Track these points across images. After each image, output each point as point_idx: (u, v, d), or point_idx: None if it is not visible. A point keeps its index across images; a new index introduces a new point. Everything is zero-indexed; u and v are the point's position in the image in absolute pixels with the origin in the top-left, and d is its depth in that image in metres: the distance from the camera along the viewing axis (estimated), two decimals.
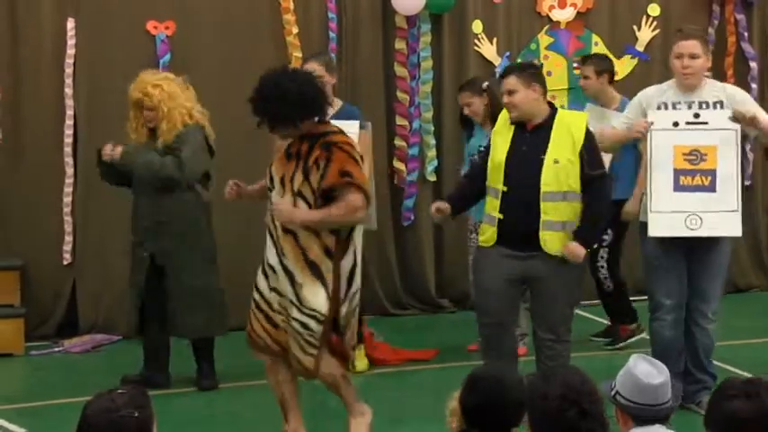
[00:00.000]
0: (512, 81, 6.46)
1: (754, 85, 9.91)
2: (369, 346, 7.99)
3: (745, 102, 6.77)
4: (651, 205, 6.64)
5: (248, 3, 8.96)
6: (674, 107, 6.72)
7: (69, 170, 8.60)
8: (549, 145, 6.39)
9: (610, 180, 6.85)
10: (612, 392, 4.00)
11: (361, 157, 6.18)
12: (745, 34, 9.90)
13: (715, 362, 7.85)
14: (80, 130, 8.64)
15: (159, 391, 6.99)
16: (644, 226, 6.79)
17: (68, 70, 8.66)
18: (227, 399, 7.37)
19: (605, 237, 8.05)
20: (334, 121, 7.38)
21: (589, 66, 8.37)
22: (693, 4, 9.87)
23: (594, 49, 9.65)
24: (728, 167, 6.63)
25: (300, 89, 6.03)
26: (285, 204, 5.97)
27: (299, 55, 8.85)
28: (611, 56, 9.52)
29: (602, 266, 8.21)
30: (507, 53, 9.52)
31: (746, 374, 7.56)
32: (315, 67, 7.52)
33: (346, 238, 6.08)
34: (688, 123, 6.64)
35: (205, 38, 8.86)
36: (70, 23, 8.65)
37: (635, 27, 9.76)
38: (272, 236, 6.05)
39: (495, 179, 6.45)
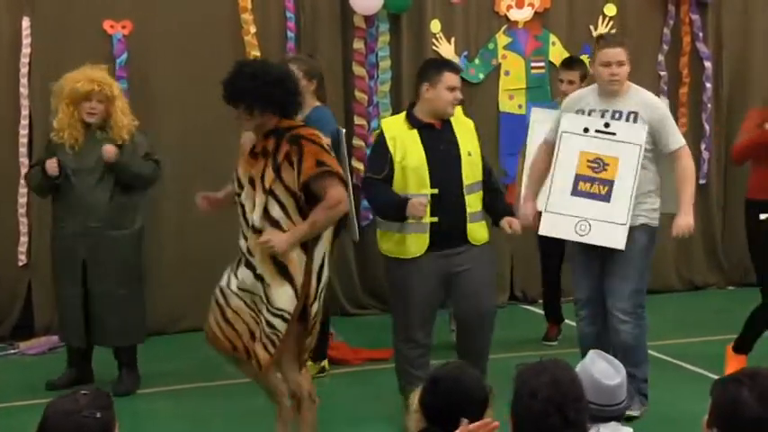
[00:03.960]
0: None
1: (708, 85, 9.98)
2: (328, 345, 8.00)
3: (661, 119, 6.76)
4: (547, 204, 6.71)
5: (206, 2, 8.93)
6: (589, 114, 6.78)
7: (24, 170, 8.54)
8: (459, 139, 6.49)
9: None
10: None
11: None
12: (700, 34, 9.96)
13: (671, 359, 7.92)
14: (35, 130, 8.58)
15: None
16: None
17: (24, 70, 8.60)
18: (195, 399, 7.36)
19: None
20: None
21: (575, 71, 8.32)
22: (649, 3, 9.92)
23: (552, 49, 9.70)
24: (626, 181, 6.70)
25: (283, 75, 6.00)
26: (272, 236, 5.80)
27: (258, 54, 8.83)
28: (569, 55, 9.60)
29: None
30: (465, 52, 9.54)
31: (701, 371, 7.63)
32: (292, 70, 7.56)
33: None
34: (598, 131, 6.72)
35: (162, 37, 8.81)
36: (25, 22, 8.60)
37: (592, 27, 9.80)
38: (243, 234, 5.99)
39: (417, 184, 6.45)
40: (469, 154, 6.57)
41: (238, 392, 6.99)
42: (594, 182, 6.73)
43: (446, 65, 6.72)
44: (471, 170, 6.58)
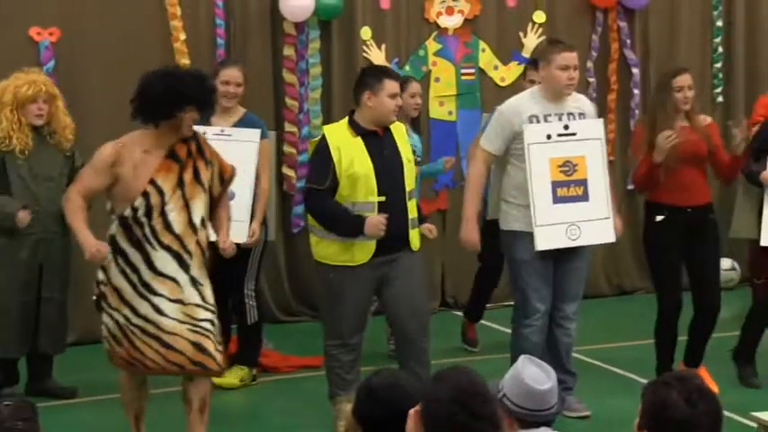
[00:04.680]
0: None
1: (636, 91, 10.08)
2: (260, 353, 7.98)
3: (592, 115, 7.04)
4: (535, 219, 6.76)
5: (135, 9, 8.87)
6: (545, 119, 6.84)
7: None
8: (398, 146, 6.53)
9: None
10: (500, 395, 4.02)
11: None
12: (628, 41, 10.06)
13: (601, 363, 7.99)
14: None
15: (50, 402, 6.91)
16: (510, 234, 6.91)
17: None
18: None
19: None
20: (235, 129, 7.43)
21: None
22: (577, 11, 10.00)
23: (481, 56, 9.75)
24: (597, 176, 6.87)
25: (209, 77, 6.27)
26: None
27: (187, 62, 8.79)
28: (498, 62, 9.67)
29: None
30: (396, 59, 9.56)
31: (630, 375, 7.71)
32: (236, 73, 7.58)
33: None
34: (559, 135, 6.80)
35: (91, 44, 8.74)
36: None
37: (521, 33, 9.86)
38: (168, 248, 5.93)
39: (365, 192, 6.46)
40: (408, 160, 6.62)
41: (168, 401, 6.94)
42: (570, 185, 6.82)
43: (386, 72, 6.73)
44: (410, 176, 6.63)
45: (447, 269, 9.77)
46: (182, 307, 5.91)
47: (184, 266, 5.92)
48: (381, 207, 6.47)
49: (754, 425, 5.50)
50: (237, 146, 7.29)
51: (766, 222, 7.31)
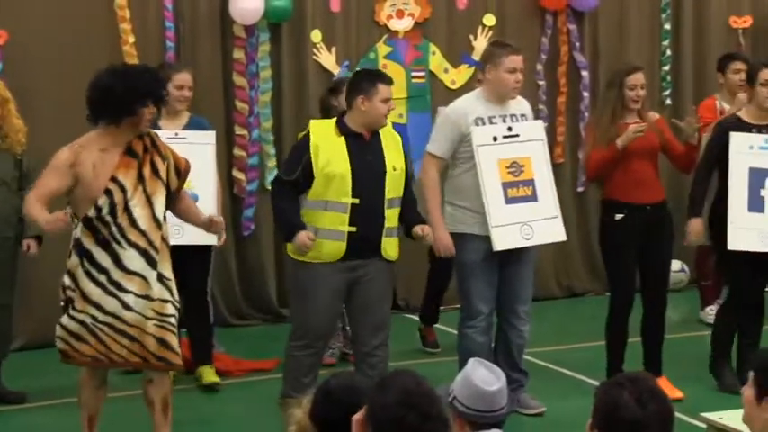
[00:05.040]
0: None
1: (585, 94, 10.13)
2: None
3: (531, 117, 7.16)
4: (491, 221, 6.79)
5: (84, 11, 8.81)
6: (490, 121, 6.89)
7: None
8: (385, 152, 6.52)
9: None
10: (450, 398, 4.03)
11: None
12: (577, 44, 10.11)
13: (552, 365, 8.02)
14: None
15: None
16: (456, 237, 6.92)
17: None
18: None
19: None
20: (189, 132, 7.42)
21: None
22: (527, 14, 10.04)
23: (432, 59, 9.77)
24: (543, 176, 6.96)
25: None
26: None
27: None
28: (448, 65, 9.69)
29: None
30: (346, 62, 9.56)
31: (580, 377, 7.75)
32: (189, 77, 7.63)
33: None
34: (504, 137, 6.87)
35: (39, 46, 8.67)
36: None
37: (471, 36, 9.89)
38: (136, 246, 5.93)
39: (339, 193, 6.46)
40: (394, 169, 6.58)
41: (121, 404, 6.90)
42: (519, 185, 6.90)
43: (379, 77, 6.73)
44: (394, 185, 6.58)
45: (398, 272, 9.75)
46: (149, 303, 5.93)
47: (152, 263, 5.94)
48: (354, 210, 6.46)
49: (704, 425, 5.53)
50: (193, 148, 7.29)
51: (731, 228, 7.28)
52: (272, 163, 9.36)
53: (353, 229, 6.47)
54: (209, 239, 6.93)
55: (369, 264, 6.55)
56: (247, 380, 7.94)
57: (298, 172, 6.49)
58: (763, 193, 7.34)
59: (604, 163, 7.23)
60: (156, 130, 6.62)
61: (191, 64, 8.55)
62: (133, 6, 8.94)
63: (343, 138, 6.54)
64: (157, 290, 5.94)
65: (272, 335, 8.98)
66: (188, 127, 7.63)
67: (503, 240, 6.81)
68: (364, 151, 6.54)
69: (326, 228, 6.48)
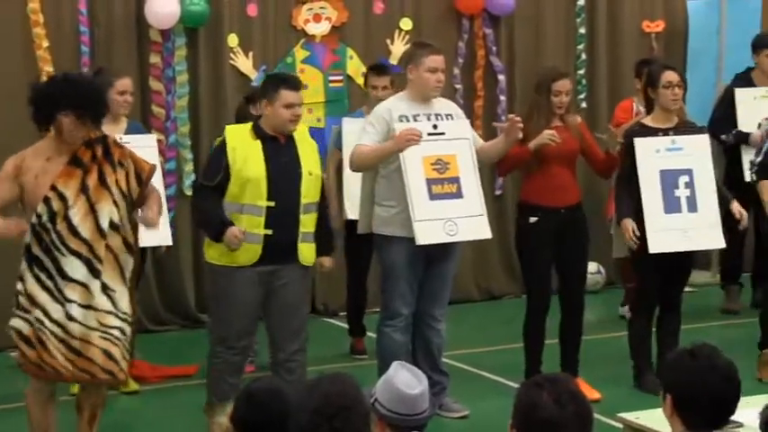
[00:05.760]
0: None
1: (502, 98, 10.20)
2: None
3: (460, 116, 7.21)
4: (414, 215, 6.81)
5: None
6: (414, 119, 6.93)
7: None
8: (301, 157, 6.52)
9: None
10: (372, 400, 4.03)
11: None
12: (494, 48, 10.17)
13: (470, 368, 8.06)
14: None
15: None
16: (382, 237, 6.98)
17: None
18: None
19: None
20: (132, 137, 7.36)
21: (387, 75, 8.31)
22: (444, 18, 10.08)
23: (349, 63, 9.78)
24: (468, 174, 7.01)
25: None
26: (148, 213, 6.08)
27: (51, 69, 8.65)
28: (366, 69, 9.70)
29: None
30: (263, 67, 9.53)
31: (499, 379, 7.79)
32: (130, 82, 7.65)
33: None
34: (429, 134, 6.89)
35: None
36: None
37: (388, 41, 9.91)
38: (77, 254, 5.88)
39: (254, 195, 6.44)
40: (310, 173, 6.57)
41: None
42: (444, 182, 6.93)
43: (284, 82, 6.70)
44: (310, 190, 6.56)
45: (318, 276, 9.75)
46: (93, 313, 5.89)
47: (95, 272, 5.89)
48: (270, 213, 6.45)
49: (620, 426, 5.59)
50: (138, 152, 7.28)
51: (650, 232, 7.35)
52: (189, 168, 9.31)
53: (269, 231, 6.46)
54: (165, 240, 7.02)
55: (285, 269, 6.54)
56: (166, 386, 7.88)
57: (219, 177, 6.47)
58: (678, 192, 7.44)
59: (514, 161, 7.32)
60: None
61: (106, 68, 8.46)
62: (47, 11, 8.84)
63: (259, 141, 6.53)
64: (101, 300, 5.90)
65: (191, 340, 8.93)
66: (128, 131, 7.60)
67: (425, 235, 6.83)
68: (280, 154, 6.54)
69: (246, 230, 6.47)
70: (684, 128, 7.58)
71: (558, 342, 7.55)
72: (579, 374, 7.34)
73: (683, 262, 7.57)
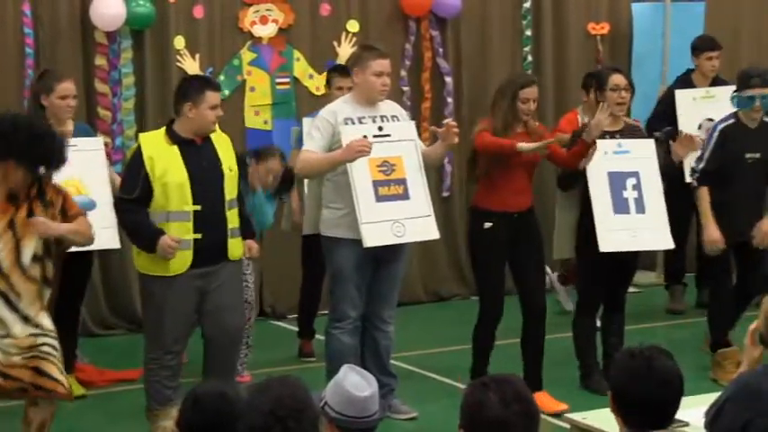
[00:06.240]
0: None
1: (449, 100, 10.22)
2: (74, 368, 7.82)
3: (405, 118, 7.24)
4: (361, 217, 6.82)
5: None
6: (360, 122, 6.94)
7: None
8: (220, 155, 6.51)
9: None
10: (321, 403, 4.04)
11: None
12: (441, 50, 10.19)
13: (418, 369, 8.07)
14: None
15: None
16: (330, 240, 6.97)
17: None
18: None
19: None
20: (79, 140, 7.31)
21: (350, 77, 8.31)
22: (390, 20, 10.09)
23: (296, 65, 9.76)
24: (415, 175, 7.02)
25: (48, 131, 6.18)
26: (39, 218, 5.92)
27: None
28: (313, 71, 9.70)
29: None
30: (210, 69, 9.50)
31: (446, 380, 7.81)
32: (72, 86, 7.54)
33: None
34: (375, 136, 6.91)
35: None
36: None
37: (335, 43, 9.91)
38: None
39: (180, 201, 6.42)
40: (230, 169, 6.59)
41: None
42: (390, 184, 6.95)
43: (208, 83, 6.69)
44: (232, 186, 6.59)
45: (265, 278, 9.73)
46: (12, 340, 5.88)
47: (10, 305, 5.88)
48: (197, 217, 6.43)
49: (567, 426, 5.62)
50: (85, 155, 7.31)
51: (600, 231, 7.39)
52: None
53: (199, 235, 6.44)
54: (110, 243, 7.14)
55: (218, 269, 6.54)
56: (113, 390, 7.84)
57: (138, 189, 6.43)
58: (626, 194, 7.51)
59: (495, 148, 7.15)
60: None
61: (51, 71, 8.39)
62: None
63: (175, 146, 6.50)
64: (20, 329, 5.88)
65: (138, 344, 8.83)
66: (75, 134, 7.50)
67: (373, 237, 6.84)
68: (199, 157, 6.52)
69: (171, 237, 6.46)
70: (630, 132, 7.64)
71: (521, 351, 7.44)
72: (545, 390, 7.28)
73: (628, 262, 7.63)
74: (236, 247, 6.63)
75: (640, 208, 7.51)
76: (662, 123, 9.20)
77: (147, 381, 6.71)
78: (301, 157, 7.01)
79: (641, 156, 7.56)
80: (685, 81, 9.57)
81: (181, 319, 6.55)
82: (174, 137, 6.51)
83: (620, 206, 7.47)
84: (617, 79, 7.50)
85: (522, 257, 7.37)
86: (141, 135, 6.85)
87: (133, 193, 6.45)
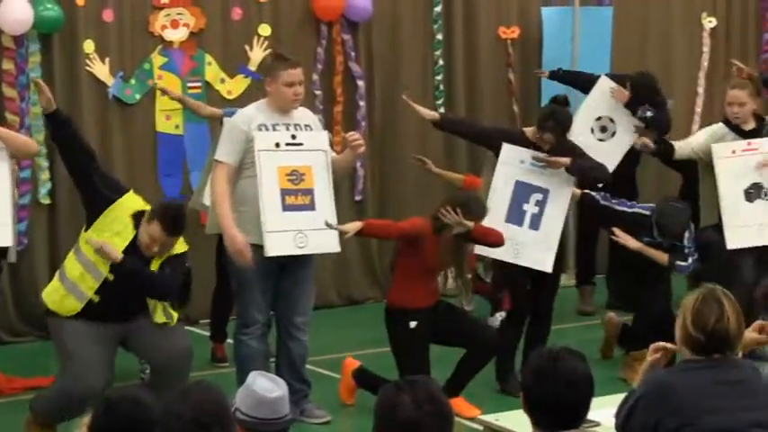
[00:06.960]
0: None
1: (362, 103, 10.24)
2: None
3: (318, 128, 7.23)
4: (266, 225, 6.80)
5: None
6: (273, 128, 6.93)
7: None
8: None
9: None
10: (233, 408, 4.03)
11: None
12: (352, 54, 10.21)
13: (332, 373, 8.08)
14: None
15: None
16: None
17: None
18: None
19: None
20: None
21: None
22: (302, 24, 10.09)
23: (208, 69, 9.72)
24: (323, 186, 7.01)
25: None
26: None
27: None
28: (225, 75, 9.66)
29: None
30: (120, 73, 9.42)
31: None
32: None
33: None
34: (287, 144, 6.91)
35: None
36: None
37: (247, 47, 9.88)
38: None
39: (100, 261, 6.46)
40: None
41: None
42: (298, 193, 6.93)
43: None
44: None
45: None
46: None
47: None
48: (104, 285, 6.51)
49: (480, 427, 5.65)
50: None
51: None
52: (45, 176, 9.17)
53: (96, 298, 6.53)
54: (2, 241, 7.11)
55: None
56: (22, 398, 7.73)
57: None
58: (525, 207, 7.57)
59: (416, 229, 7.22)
60: None
61: None
62: None
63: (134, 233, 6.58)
64: None
65: (47, 351, 8.76)
66: None
67: (275, 246, 6.83)
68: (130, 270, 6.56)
69: (76, 284, 6.59)
70: (560, 149, 7.58)
71: (457, 363, 7.35)
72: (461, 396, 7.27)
73: (548, 275, 7.67)
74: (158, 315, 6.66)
75: (535, 224, 7.57)
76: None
77: (48, 399, 6.67)
78: (215, 174, 6.95)
79: (560, 176, 7.56)
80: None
81: (96, 360, 6.51)
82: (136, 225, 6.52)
83: (513, 216, 7.54)
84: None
85: (452, 330, 7.30)
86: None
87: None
